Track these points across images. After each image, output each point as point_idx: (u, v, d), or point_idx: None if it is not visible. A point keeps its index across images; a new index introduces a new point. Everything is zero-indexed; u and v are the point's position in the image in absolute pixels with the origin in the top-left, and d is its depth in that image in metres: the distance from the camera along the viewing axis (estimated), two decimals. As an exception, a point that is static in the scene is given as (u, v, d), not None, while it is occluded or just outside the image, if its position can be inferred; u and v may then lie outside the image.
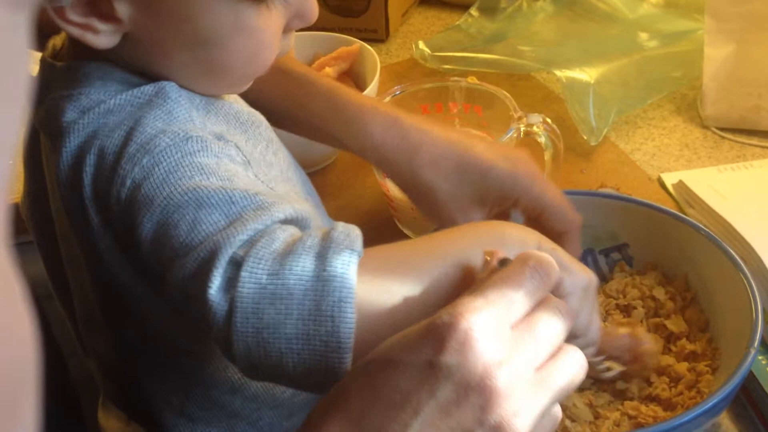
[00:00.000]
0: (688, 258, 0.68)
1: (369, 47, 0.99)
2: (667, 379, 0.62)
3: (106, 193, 0.51)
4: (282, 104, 0.69)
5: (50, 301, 0.69)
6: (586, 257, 0.72)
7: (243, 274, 0.44)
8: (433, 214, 0.67)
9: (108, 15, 0.50)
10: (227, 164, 0.51)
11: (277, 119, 0.67)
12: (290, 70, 0.71)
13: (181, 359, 0.59)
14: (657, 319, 0.67)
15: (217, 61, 0.54)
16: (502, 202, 0.66)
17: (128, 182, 0.49)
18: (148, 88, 0.53)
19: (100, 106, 0.52)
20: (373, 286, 0.46)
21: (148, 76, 0.54)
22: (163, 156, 0.49)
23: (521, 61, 1.05)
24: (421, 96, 0.88)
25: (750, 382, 0.64)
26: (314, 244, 0.45)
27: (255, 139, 0.60)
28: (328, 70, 0.99)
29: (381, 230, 0.70)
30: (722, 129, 0.95)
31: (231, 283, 0.44)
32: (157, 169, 0.49)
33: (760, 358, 0.65)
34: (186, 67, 0.54)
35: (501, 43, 1.11)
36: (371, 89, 0.92)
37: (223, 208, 0.47)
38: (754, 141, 0.93)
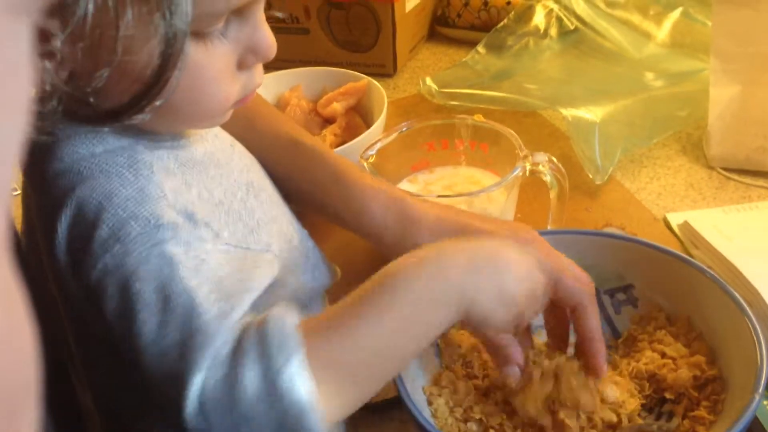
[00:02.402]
0: (693, 300, 0.68)
1: (376, 83, 1.00)
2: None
3: (77, 262, 0.52)
4: (288, 174, 0.69)
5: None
6: (591, 297, 0.72)
7: (207, 406, 0.47)
8: None
9: (47, 52, 0.48)
10: (196, 249, 0.52)
11: (281, 188, 0.68)
12: (300, 142, 0.71)
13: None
14: (659, 347, 0.67)
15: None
16: None
17: (99, 265, 0.50)
18: (120, 159, 0.53)
19: (72, 168, 0.52)
20: (323, 370, 0.47)
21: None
22: (133, 245, 0.50)
23: (527, 98, 1.06)
24: (427, 133, 0.88)
25: (755, 428, 0.63)
26: (257, 355, 0.47)
27: (233, 187, 0.60)
28: (335, 105, 0.99)
29: (377, 267, 0.71)
30: (728, 169, 0.96)
31: (202, 408, 0.47)
32: (127, 258, 0.50)
33: (765, 403, 0.64)
34: None
35: (507, 81, 1.12)
36: (378, 124, 0.93)
37: (185, 316, 0.49)
38: (760, 182, 0.93)
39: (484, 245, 0.55)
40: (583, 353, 0.63)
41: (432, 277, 0.51)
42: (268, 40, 0.54)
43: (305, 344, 0.47)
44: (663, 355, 0.66)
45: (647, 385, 0.65)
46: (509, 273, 0.54)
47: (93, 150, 0.53)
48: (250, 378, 0.47)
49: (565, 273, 0.62)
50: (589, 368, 0.63)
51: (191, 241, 0.52)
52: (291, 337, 0.47)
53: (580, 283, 0.63)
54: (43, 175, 0.53)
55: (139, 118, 0.48)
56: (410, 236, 0.66)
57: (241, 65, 0.55)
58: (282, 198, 0.68)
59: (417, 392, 0.64)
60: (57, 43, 0.42)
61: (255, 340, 0.48)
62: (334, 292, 0.68)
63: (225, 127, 0.64)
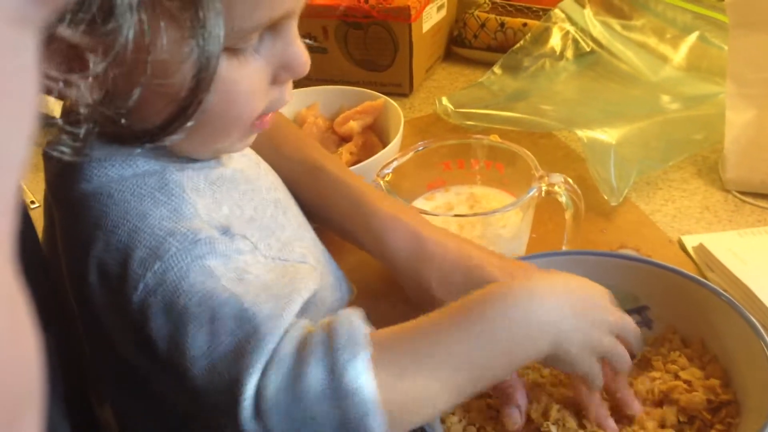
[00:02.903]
0: (708, 323, 0.68)
1: (393, 102, 1.00)
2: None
3: (115, 290, 0.52)
4: (310, 200, 0.70)
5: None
6: (606, 318, 0.72)
7: (264, 407, 0.46)
8: None
9: (82, 68, 0.49)
10: (236, 260, 0.52)
11: (304, 212, 0.69)
12: (323, 168, 0.72)
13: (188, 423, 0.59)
14: (672, 367, 0.67)
15: None
16: None
17: (141, 286, 0.51)
18: (151, 181, 0.53)
19: (103, 191, 0.53)
20: (390, 379, 0.47)
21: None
22: (173, 261, 0.50)
23: (543, 119, 1.06)
24: (443, 152, 0.89)
25: (770, 451, 0.63)
26: (323, 352, 0.47)
27: (263, 205, 0.61)
28: (352, 123, 1.00)
29: (392, 285, 0.71)
30: (743, 193, 0.96)
31: (259, 412, 0.46)
32: (168, 275, 0.50)
33: (780, 427, 0.64)
34: None
35: (523, 102, 1.12)
36: (395, 143, 0.93)
37: (236, 320, 0.49)
38: (775, 206, 0.93)
39: (579, 286, 0.57)
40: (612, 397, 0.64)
41: (529, 311, 0.52)
42: (301, 57, 0.55)
43: (374, 345, 0.47)
44: (676, 376, 0.66)
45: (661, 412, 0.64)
46: (602, 316, 0.57)
47: (122, 173, 0.53)
48: (315, 374, 0.46)
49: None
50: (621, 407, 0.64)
51: (229, 254, 0.52)
52: (360, 336, 0.47)
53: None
54: (70, 194, 0.54)
55: (172, 139, 0.49)
56: (423, 271, 0.67)
57: (275, 81, 0.55)
58: (305, 220, 0.68)
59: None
60: (98, 68, 0.43)
61: (322, 338, 0.48)
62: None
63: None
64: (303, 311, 0.52)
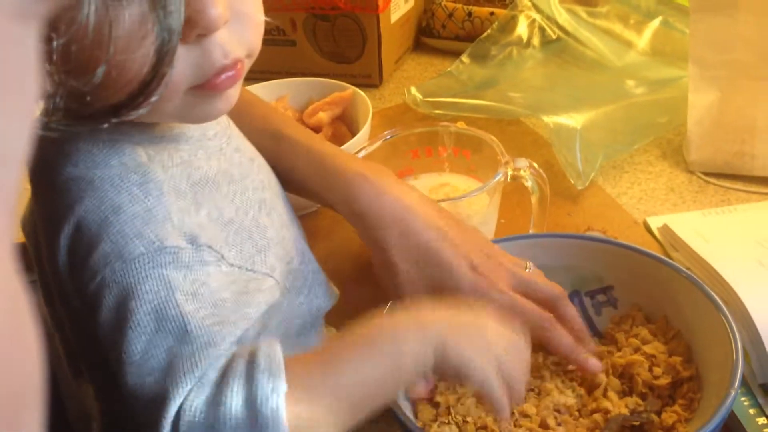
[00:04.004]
0: (672, 300, 0.69)
1: (361, 92, 1.01)
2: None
3: (77, 273, 0.53)
4: (276, 167, 0.71)
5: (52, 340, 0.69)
6: (573, 299, 0.73)
7: (182, 429, 0.48)
8: (390, 288, 0.69)
9: (45, 43, 0.49)
10: (197, 272, 0.53)
11: None
12: (286, 135, 0.72)
13: None
14: (634, 342, 0.69)
15: None
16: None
17: (98, 278, 0.52)
18: (133, 177, 0.54)
19: (86, 176, 0.53)
20: (300, 407, 0.49)
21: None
22: (134, 264, 0.51)
23: (510, 106, 1.08)
24: (411, 140, 0.90)
25: (732, 423, 0.64)
26: (243, 381, 0.48)
27: (245, 204, 0.61)
28: (321, 115, 1.01)
29: (370, 272, 0.72)
30: (707, 174, 0.97)
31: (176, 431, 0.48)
32: (126, 276, 0.51)
33: (742, 399, 0.66)
34: None
35: (491, 89, 1.14)
36: (363, 133, 0.94)
37: (176, 339, 0.50)
38: (738, 186, 0.95)
39: (460, 314, 0.57)
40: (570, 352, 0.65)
41: (414, 334, 0.54)
42: (206, 7, 0.49)
43: (291, 376, 0.49)
44: (638, 349, 0.68)
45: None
46: (486, 329, 0.57)
47: (108, 161, 0.54)
48: (236, 402, 0.48)
49: (527, 278, 0.68)
50: (580, 367, 0.65)
51: (192, 264, 0.53)
52: (277, 368, 0.49)
53: (548, 282, 0.67)
54: (54, 177, 0.54)
55: (135, 114, 0.49)
56: (386, 242, 0.68)
57: (183, 38, 0.49)
58: (291, 218, 0.69)
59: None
60: (55, 44, 0.43)
61: (244, 367, 0.49)
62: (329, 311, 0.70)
63: None
64: (266, 317, 0.54)
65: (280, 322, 0.62)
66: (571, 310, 0.68)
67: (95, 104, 0.48)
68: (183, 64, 0.51)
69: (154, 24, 0.45)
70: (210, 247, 0.55)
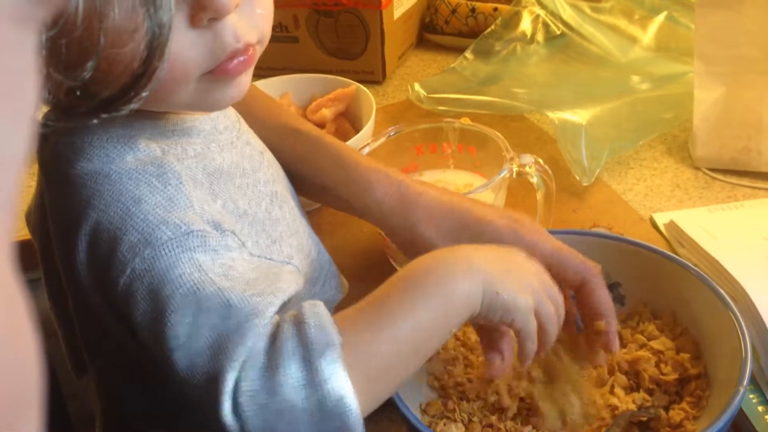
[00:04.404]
0: (679, 296, 0.69)
1: (365, 89, 1.01)
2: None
3: (102, 270, 0.52)
4: (290, 162, 0.70)
5: (54, 341, 0.69)
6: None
7: (241, 400, 0.47)
8: None
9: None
10: (223, 256, 0.52)
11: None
12: (300, 130, 0.72)
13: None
14: (641, 338, 0.68)
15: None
16: None
17: (128, 270, 0.51)
18: (150, 168, 0.53)
19: (102, 171, 0.53)
20: (358, 358, 0.49)
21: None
22: (164, 250, 0.51)
23: (515, 102, 1.07)
24: (415, 137, 0.89)
25: (741, 420, 0.64)
26: (295, 348, 0.48)
27: (258, 197, 0.61)
28: (324, 111, 1.00)
29: (375, 268, 0.71)
30: (713, 170, 0.97)
31: (236, 406, 0.47)
32: (157, 263, 0.50)
33: (750, 396, 0.65)
34: None
35: (495, 85, 1.13)
36: (367, 130, 0.94)
37: (220, 315, 0.49)
38: (745, 182, 0.94)
39: (500, 250, 0.58)
40: (592, 331, 0.64)
41: (463, 273, 0.53)
42: None
43: (341, 335, 0.48)
44: (644, 345, 0.67)
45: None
46: (528, 272, 0.57)
47: (123, 156, 0.54)
48: (290, 366, 0.47)
49: (565, 251, 0.65)
50: (601, 345, 0.64)
51: (218, 249, 0.52)
52: (328, 325, 0.48)
53: (583, 261, 0.65)
54: (68, 171, 0.53)
55: (126, 110, 0.49)
56: (409, 213, 0.67)
57: (194, 22, 0.51)
58: (302, 212, 0.68)
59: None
60: (49, 35, 0.42)
61: (293, 331, 0.48)
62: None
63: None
64: (283, 310, 0.53)
65: None
66: (605, 291, 0.65)
67: (85, 99, 0.48)
68: (195, 49, 0.51)
69: (144, 17, 0.45)
70: (233, 233, 0.55)
